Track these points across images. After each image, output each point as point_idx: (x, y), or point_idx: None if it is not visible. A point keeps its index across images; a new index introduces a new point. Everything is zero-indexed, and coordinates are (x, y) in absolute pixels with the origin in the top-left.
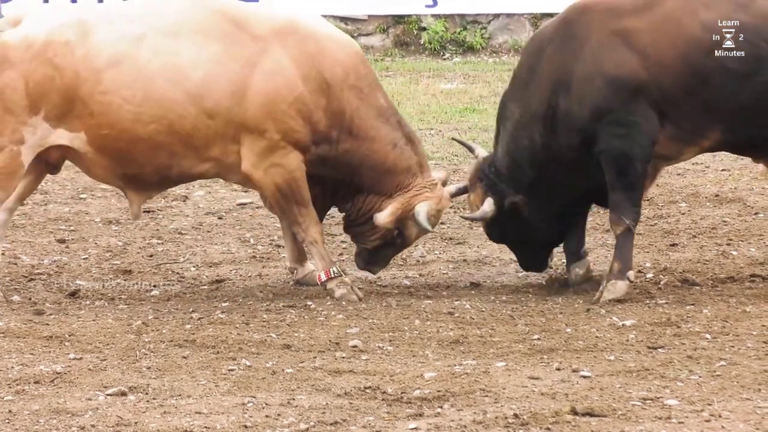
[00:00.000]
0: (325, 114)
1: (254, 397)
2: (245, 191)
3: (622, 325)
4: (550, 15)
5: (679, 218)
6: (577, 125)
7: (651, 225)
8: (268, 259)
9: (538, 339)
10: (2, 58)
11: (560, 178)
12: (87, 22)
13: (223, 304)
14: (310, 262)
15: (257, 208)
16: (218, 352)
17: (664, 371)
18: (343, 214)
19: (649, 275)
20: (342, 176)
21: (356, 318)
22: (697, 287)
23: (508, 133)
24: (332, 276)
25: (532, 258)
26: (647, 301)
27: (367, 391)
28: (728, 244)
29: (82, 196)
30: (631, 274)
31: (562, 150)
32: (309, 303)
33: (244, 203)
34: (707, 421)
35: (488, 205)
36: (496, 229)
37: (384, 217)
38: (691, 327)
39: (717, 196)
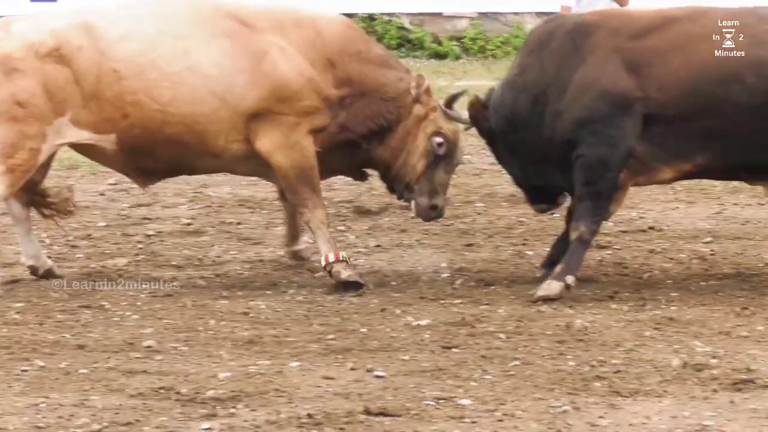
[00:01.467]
0: (335, 87)
1: (47, 398)
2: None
3: (417, 324)
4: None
5: (475, 218)
6: (561, 126)
7: (447, 225)
8: (64, 259)
9: (333, 339)
10: (11, 68)
11: (519, 153)
12: (92, 25)
13: (17, 305)
14: (302, 240)
15: None
16: (12, 353)
17: (458, 371)
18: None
19: (445, 275)
20: (366, 133)
21: (151, 318)
22: (492, 287)
23: (500, 82)
24: (340, 259)
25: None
26: (442, 301)
27: (161, 391)
28: (524, 244)
29: None
30: (570, 278)
31: (543, 137)
32: (104, 303)
33: None
34: (500, 420)
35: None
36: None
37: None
38: (486, 327)
39: (513, 196)
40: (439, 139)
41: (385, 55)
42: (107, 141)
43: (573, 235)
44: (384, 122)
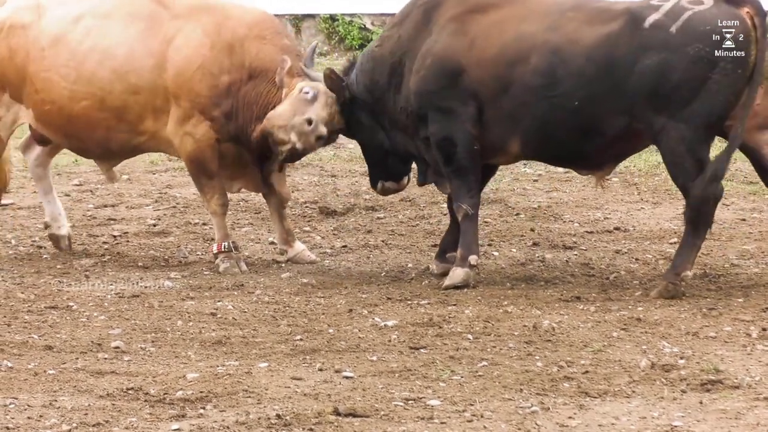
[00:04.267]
0: (228, 74)
1: (16, 399)
2: (7, 192)
3: (385, 325)
4: None
5: (441, 219)
6: (410, 97)
7: (413, 226)
8: (30, 260)
9: (301, 340)
10: None
11: (383, 118)
12: (42, 5)
13: None
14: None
15: (19, 209)
16: None
17: (427, 371)
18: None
19: (412, 275)
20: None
21: (118, 319)
22: (460, 288)
23: (363, 51)
24: (222, 250)
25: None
26: (409, 302)
27: (130, 392)
28: (490, 245)
29: None
30: (473, 258)
31: (398, 107)
32: (71, 304)
33: (5, 204)
34: (469, 421)
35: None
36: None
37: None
38: (453, 327)
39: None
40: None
41: (291, 46)
42: (29, 117)
43: (459, 216)
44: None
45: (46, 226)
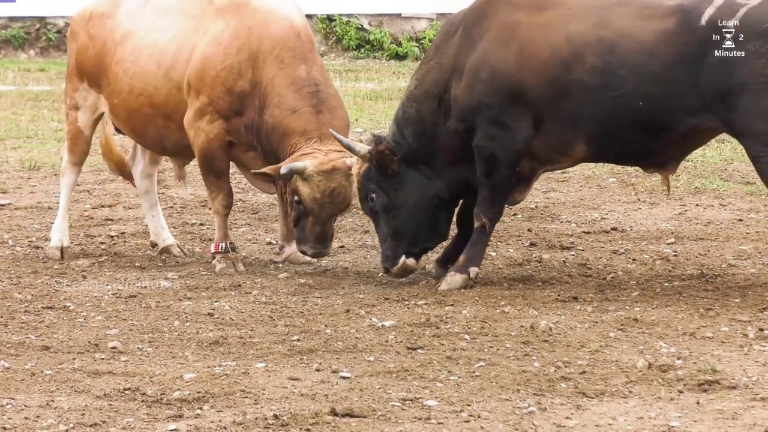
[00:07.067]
0: (249, 84)
1: (13, 399)
2: (3, 192)
3: (382, 325)
4: None
5: None
6: (461, 115)
7: None
8: (27, 260)
9: (298, 340)
10: (70, 31)
11: (439, 158)
12: None
13: None
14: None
15: (15, 209)
16: None
17: (424, 372)
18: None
19: (409, 276)
20: (263, 147)
21: (115, 319)
22: (456, 288)
23: (400, 102)
24: (220, 250)
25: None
26: (406, 302)
27: (127, 392)
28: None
29: None
30: (473, 270)
31: (449, 132)
32: (68, 304)
33: (2, 204)
34: (466, 421)
35: (362, 146)
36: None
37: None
38: (451, 328)
39: None
40: (296, 198)
41: (305, 81)
42: (105, 106)
43: (476, 224)
44: (270, 151)
45: (153, 245)
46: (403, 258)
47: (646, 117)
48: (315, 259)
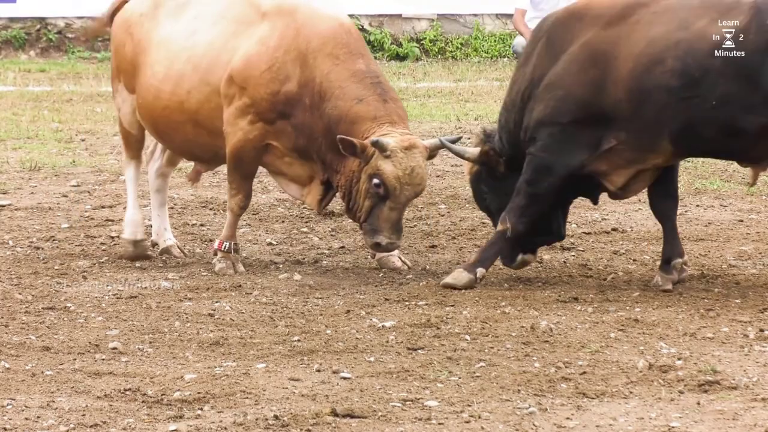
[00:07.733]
0: (296, 85)
1: (13, 399)
2: (4, 192)
3: (382, 326)
4: None
5: (439, 220)
6: (529, 124)
7: (410, 227)
8: (28, 260)
9: (298, 340)
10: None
11: None
12: None
13: None
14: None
15: (16, 210)
16: None
17: (424, 372)
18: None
19: (409, 276)
20: (317, 145)
21: (116, 320)
22: (457, 288)
23: (503, 105)
24: (223, 249)
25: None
26: (407, 303)
27: (127, 393)
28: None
29: None
30: (480, 271)
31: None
32: (69, 305)
33: (2, 205)
34: (467, 422)
35: (471, 150)
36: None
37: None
38: (451, 328)
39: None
40: (376, 180)
41: (366, 73)
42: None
43: (498, 227)
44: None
45: (153, 245)
46: (520, 256)
47: (722, 117)
48: (387, 253)
